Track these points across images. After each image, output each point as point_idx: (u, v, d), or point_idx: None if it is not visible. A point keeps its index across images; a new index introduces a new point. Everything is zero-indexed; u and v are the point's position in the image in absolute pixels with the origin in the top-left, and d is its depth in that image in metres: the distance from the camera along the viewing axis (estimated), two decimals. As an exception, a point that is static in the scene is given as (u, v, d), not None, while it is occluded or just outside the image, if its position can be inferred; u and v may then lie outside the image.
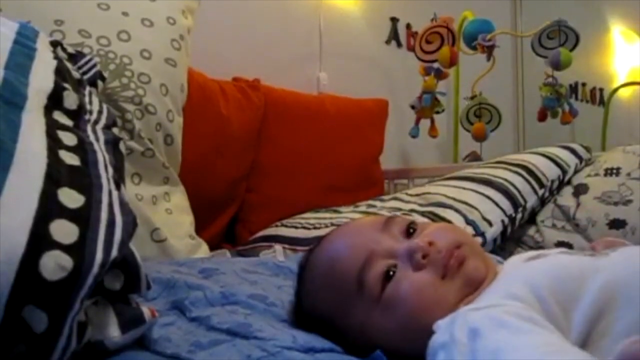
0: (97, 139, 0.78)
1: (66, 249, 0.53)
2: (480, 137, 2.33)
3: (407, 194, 1.64)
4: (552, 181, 1.56)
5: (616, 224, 1.41)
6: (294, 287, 0.77)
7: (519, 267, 0.67)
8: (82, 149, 0.70)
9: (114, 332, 0.59)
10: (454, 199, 1.47)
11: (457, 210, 1.42)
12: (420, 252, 0.66)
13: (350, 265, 0.68)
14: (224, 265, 1.03)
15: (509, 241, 1.51)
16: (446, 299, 0.63)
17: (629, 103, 3.03)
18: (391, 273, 0.66)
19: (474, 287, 0.65)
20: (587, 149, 1.71)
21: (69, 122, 0.75)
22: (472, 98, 2.39)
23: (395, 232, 0.70)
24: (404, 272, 0.66)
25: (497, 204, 1.44)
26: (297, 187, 1.81)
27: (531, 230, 1.53)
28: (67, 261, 0.52)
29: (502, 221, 1.42)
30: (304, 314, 0.73)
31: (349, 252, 0.69)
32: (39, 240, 0.52)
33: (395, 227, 0.71)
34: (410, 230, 0.70)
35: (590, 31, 2.81)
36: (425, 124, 2.38)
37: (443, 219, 1.38)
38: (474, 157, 2.42)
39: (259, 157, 1.78)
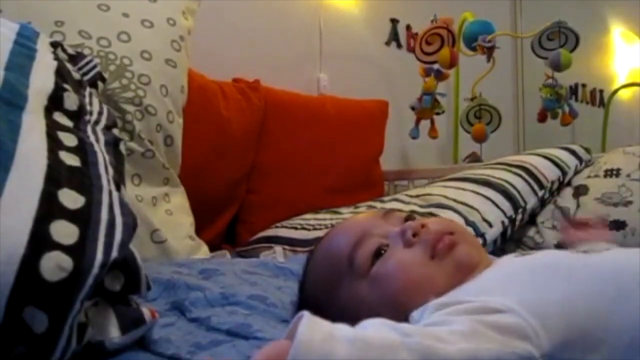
0: (98, 140, 0.78)
1: (66, 249, 0.53)
2: (480, 138, 2.33)
3: (407, 195, 1.64)
4: (552, 182, 1.56)
5: (616, 225, 1.41)
6: (299, 280, 0.77)
7: (509, 262, 0.67)
8: (83, 149, 0.70)
9: (114, 333, 0.59)
10: (454, 200, 1.47)
11: (457, 212, 1.42)
12: (411, 230, 0.66)
13: (344, 243, 0.69)
14: (224, 266, 1.03)
15: (509, 242, 1.51)
16: (433, 280, 0.62)
17: (629, 104, 3.03)
18: (382, 252, 0.67)
19: (464, 273, 0.63)
20: (587, 150, 1.71)
21: (69, 123, 0.75)
22: (472, 99, 2.39)
23: (393, 221, 0.71)
24: (394, 250, 0.66)
25: (497, 205, 1.44)
26: (297, 188, 1.81)
27: (531, 232, 1.53)
28: (67, 262, 0.52)
29: (502, 222, 1.42)
30: (302, 302, 0.73)
31: (346, 234, 0.71)
32: (39, 241, 0.52)
33: (394, 217, 0.72)
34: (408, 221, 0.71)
35: (590, 32, 2.81)
36: (425, 125, 2.38)
37: (443, 220, 1.38)
38: (474, 158, 2.42)
39: (259, 158, 1.78)
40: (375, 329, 0.47)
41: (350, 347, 0.43)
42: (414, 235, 0.66)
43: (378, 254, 0.67)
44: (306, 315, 0.45)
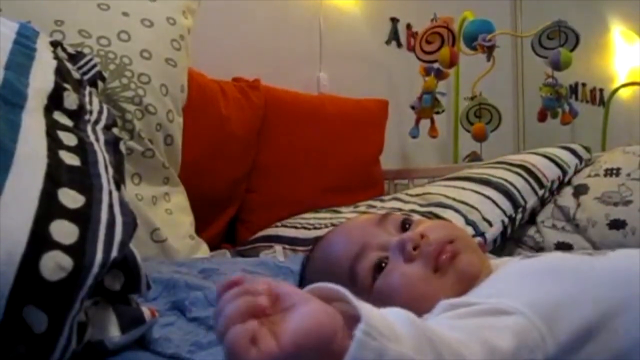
0: (97, 139, 0.78)
1: (66, 249, 0.53)
2: (480, 138, 2.33)
3: (407, 194, 1.64)
4: (552, 181, 1.56)
5: (616, 225, 1.41)
6: (297, 285, 0.77)
7: (517, 265, 0.67)
8: (82, 149, 0.70)
9: (114, 332, 0.59)
10: (454, 199, 1.47)
11: (457, 211, 1.42)
12: (410, 243, 0.65)
13: (343, 257, 0.68)
14: (224, 266, 1.03)
15: (509, 242, 1.51)
16: (437, 294, 0.61)
17: (629, 103, 3.03)
18: (383, 265, 0.66)
19: (467, 283, 0.63)
20: (587, 150, 1.71)
21: (69, 123, 0.75)
22: (472, 98, 2.39)
23: (390, 228, 0.71)
24: (395, 264, 0.66)
25: (497, 205, 1.44)
26: (297, 187, 1.81)
27: (531, 231, 1.53)
28: (67, 261, 0.52)
29: (502, 221, 1.42)
30: None
31: (344, 245, 0.70)
32: (39, 240, 0.52)
33: (390, 223, 0.71)
34: (405, 226, 0.71)
35: (590, 31, 2.81)
36: (425, 124, 2.38)
37: (443, 219, 1.38)
38: (474, 158, 2.42)
39: (259, 157, 1.78)
40: (417, 342, 0.42)
41: None
42: (415, 248, 0.66)
43: (378, 267, 0.66)
44: (363, 325, 0.39)
